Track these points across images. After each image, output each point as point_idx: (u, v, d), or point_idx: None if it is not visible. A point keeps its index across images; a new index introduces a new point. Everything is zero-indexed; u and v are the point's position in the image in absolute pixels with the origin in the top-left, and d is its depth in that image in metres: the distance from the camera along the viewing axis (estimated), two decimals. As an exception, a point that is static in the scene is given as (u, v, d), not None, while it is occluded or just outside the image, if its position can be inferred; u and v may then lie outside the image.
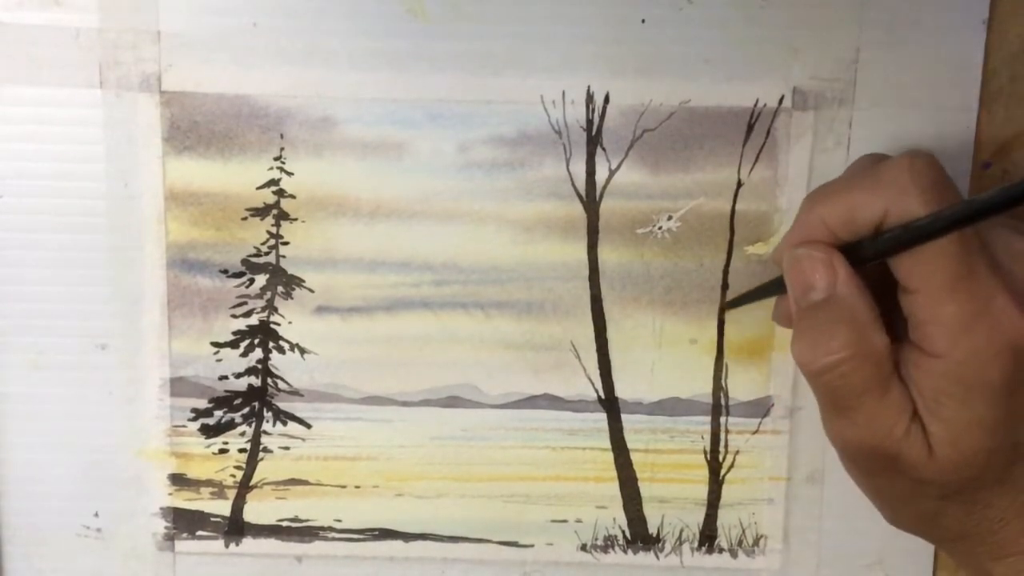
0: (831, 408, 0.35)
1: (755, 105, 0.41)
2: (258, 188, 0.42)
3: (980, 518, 0.36)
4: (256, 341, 0.44)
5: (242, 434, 0.45)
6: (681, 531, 0.45)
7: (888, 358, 0.34)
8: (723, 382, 0.44)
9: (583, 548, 0.45)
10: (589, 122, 0.42)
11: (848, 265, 0.34)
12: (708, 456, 0.44)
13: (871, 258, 0.34)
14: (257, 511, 0.45)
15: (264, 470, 0.45)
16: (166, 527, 0.45)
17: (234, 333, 0.44)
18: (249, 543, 0.45)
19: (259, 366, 0.44)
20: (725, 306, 0.43)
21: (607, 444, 0.44)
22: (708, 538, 0.45)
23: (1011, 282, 0.33)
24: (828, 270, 0.35)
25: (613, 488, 0.45)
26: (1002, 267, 0.34)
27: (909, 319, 0.34)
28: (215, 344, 0.44)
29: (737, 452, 0.44)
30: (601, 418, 0.44)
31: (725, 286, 0.43)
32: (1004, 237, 0.35)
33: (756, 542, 0.45)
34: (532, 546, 0.45)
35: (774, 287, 0.40)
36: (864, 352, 0.34)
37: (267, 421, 0.44)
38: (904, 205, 0.33)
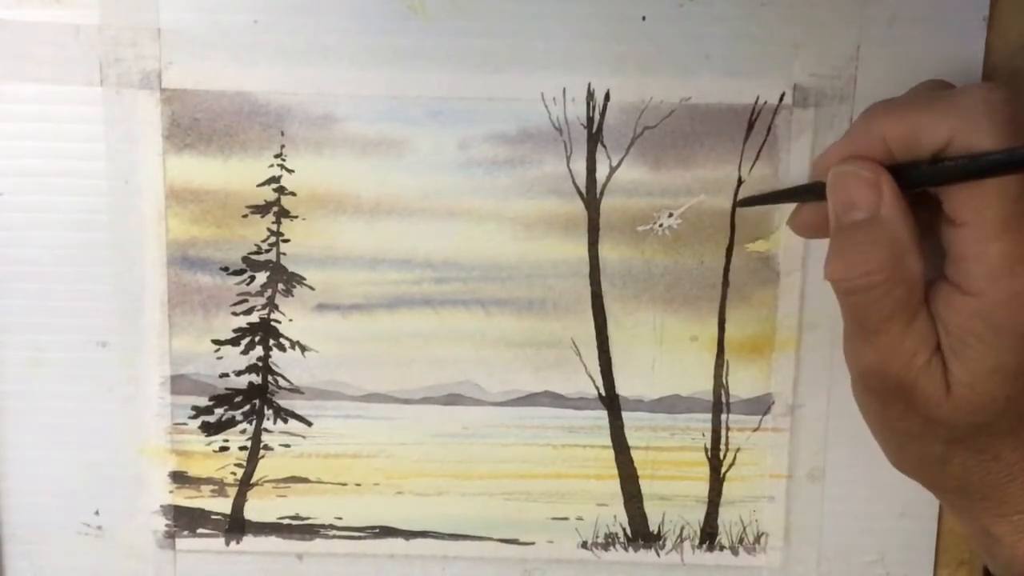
0: (857, 329, 0.35)
1: (756, 102, 0.41)
2: (259, 185, 0.42)
3: (986, 470, 0.35)
4: (257, 339, 0.44)
5: (243, 432, 0.45)
6: (682, 528, 0.45)
7: (921, 286, 0.34)
8: (724, 379, 0.44)
9: (584, 546, 0.45)
10: (590, 119, 0.42)
11: (895, 187, 0.34)
12: (709, 453, 0.44)
13: (926, 183, 0.33)
14: (258, 509, 0.45)
15: (265, 468, 0.45)
16: (167, 525, 0.45)
17: (235, 331, 0.44)
18: (250, 541, 0.45)
19: (260, 364, 0.44)
20: (739, 203, 0.42)
21: (608, 441, 0.44)
22: (709, 535, 0.45)
23: None
24: (874, 191, 0.34)
25: (614, 486, 0.45)
26: None
27: (949, 254, 0.34)
28: (216, 342, 0.44)
29: (738, 449, 0.44)
30: (602, 415, 0.44)
31: (726, 283, 0.43)
32: None
33: (757, 539, 0.45)
34: (533, 544, 0.45)
35: (801, 193, 0.39)
36: (899, 276, 0.33)
37: (268, 419, 0.44)
38: (972, 135, 0.32)
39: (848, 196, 0.34)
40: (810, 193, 0.36)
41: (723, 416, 0.44)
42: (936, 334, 0.34)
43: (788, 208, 0.42)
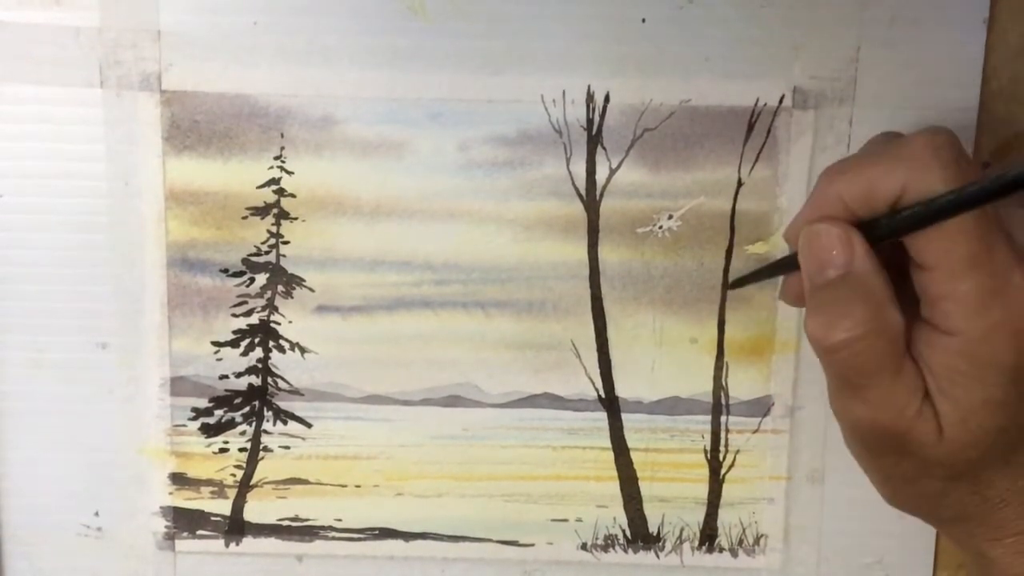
0: (842, 386, 0.35)
1: (755, 104, 0.41)
2: (258, 187, 0.42)
3: (981, 499, 0.35)
4: (256, 340, 0.44)
5: (242, 433, 0.45)
6: (681, 530, 0.45)
7: (902, 336, 0.34)
8: (723, 381, 0.44)
9: (583, 547, 0.45)
10: (589, 121, 0.42)
11: (865, 242, 0.34)
12: (708, 455, 0.44)
13: (888, 235, 0.34)
14: (257, 510, 0.45)
15: (264, 469, 0.45)
16: (166, 526, 0.45)
17: (234, 332, 0.44)
18: (249, 542, 0.45)
19: (259, 365, 0.44)
20: (730, 285, 0.42)
21: (607, 443, 0.44)
22: (708, 537, 0.45)
23: None
24: (846, 247, 0.34)
25: (613, 487, 0.45)
26: (1019, 246, 0.33)
27: (923, 297, 0.34)
28: (215, 343, 0.44)
29: (737, 451, 0.44)
30: (601, 417, 0.44)
31: (725, 285, 0.43)
32: (1021, 216, 0.34)
33: (756, 541, 0.45)
34: (532, 545, 0.45)
35: (781, 266, 0.40)
36: (879, 329, 0.33)
37: (267, 420, 0.44)
38: (924, 181, 0.32)
39: (820, 254, 0.34)
40: (792, 265, 0.37)
41: (723, 418, 0.44)
42: (923, 380, 0.34)
43: (788, 208, 0.42)
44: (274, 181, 0.42)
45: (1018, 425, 0.34)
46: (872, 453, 0.36)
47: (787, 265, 0.38)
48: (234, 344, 0.44)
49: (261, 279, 0.43)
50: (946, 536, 0.39)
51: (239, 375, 0.44)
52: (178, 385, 0.44)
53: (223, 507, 0.45)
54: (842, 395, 0.35)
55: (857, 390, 0.34)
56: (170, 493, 0.45)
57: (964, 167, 0.33)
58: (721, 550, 0.45)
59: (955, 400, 0.33)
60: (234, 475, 0.45)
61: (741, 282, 0.42)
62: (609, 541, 0.45)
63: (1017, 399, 0.33)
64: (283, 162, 0.42)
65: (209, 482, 0.45)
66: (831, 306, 0.34)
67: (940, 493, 0.36)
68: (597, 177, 0.42)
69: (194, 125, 0.42)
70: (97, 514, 0.45)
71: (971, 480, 0.35)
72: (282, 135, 0.42)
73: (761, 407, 0.44)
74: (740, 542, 0.45)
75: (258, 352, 0.44)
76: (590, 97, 0.41)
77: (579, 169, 0.42)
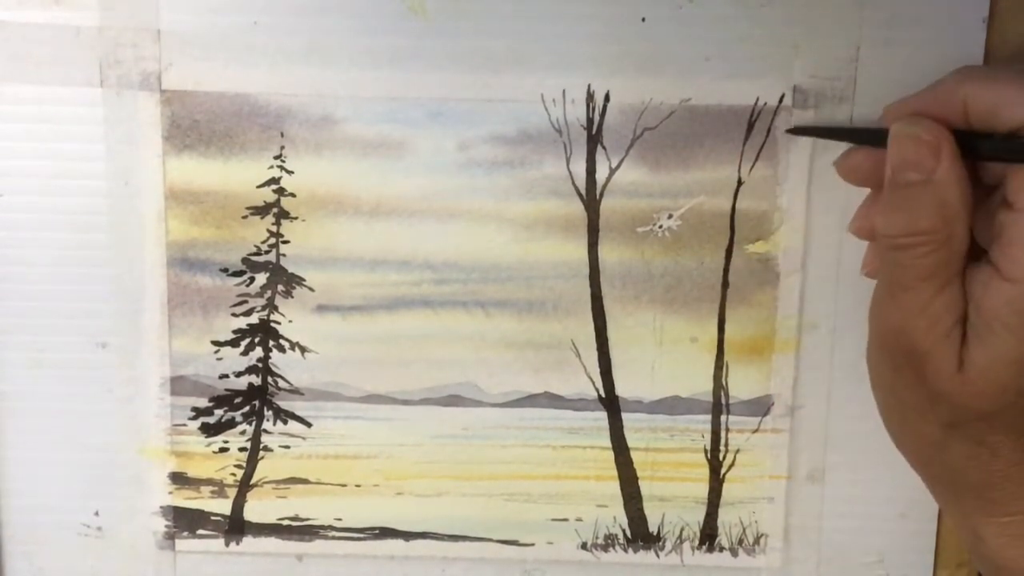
0: (889, 285, 0.35)
1: (755, 103, 0.41)
2: (258, 187, 0.42)
3: (982, 465, 0.35)
4: (256, 340, 0.44)
5: (242, 433, 0.45)
6: (682, 530, 0.45)
7: (963, 256, 0.34)
8: (723, 380, 0.44)
9: (584, 547, 0.45)
10: (589, 120, 0.42)
11: (954, 154, 0.34)
12: (708, 455, 0.44)
13: (994, 157, 0.33)
14: (257, 510, 0.45)
15: (264, 469, 0.45)
16: (166, 526, 0.45)
17: (234, 332, 0.44)
18: (249, 542, 0.45)
19: (259, 365, 0.44)
20: (791, 130, 0.41)
21: (607, 443, 0.44)
22: (708, 537, 0.45)
23: None
24: (933, 154, 0.34)
25: (613, 487, 0.45)
26: None
27: (999, 236, 0.34)
28: (215, 343, 0.44)
29: (737, 451, 0.44)
30: (601, 417, 0.44)
31: (725, 285, 0.43)
32: None
33: (757, 541, 0.45)
34: (532, 545, 0.45)
35: (861, 134, 0.39)
36: (943, 240, 0.34)
37: (267, 420, 0.44)
38: None
39: (906, 155, 0.34)
40: (871, 137, 0.36)
41: (723, 417, 0.44)
42: (963, 308, 0.34)
43: (788, 207, 0.42)
44: (274, 180, 0.42)
45: None
46: (892, 366, 0.36)
47: (869, 136, 0.38)
48: (234, 343, 0.44)
49: (261, 278, 0.43)
50: (941, 504, 0.38)
51: (239, 374, 0.44)
52: (178, 385, 0.44)
53: (223, 507, 0.45)
54: (885, 294, 0.35)
55: (900, 291, 0.35)
56: (170, 493, 0.45)
57: None
58: (721, 549, 0.45)
59: (988, 346, 0.33)
60: (234, 475, 0.45)
61: (805, 131, 0.41)
62: (609, 540, 0.45)
63: None
64: (283, 161, 0.42)
65: (209, 482, 0.45)
66: (905, 206, 0.34)
67: (941, 441, 0.36)
68: (597, 176, 0.42)
69: (194, 124, 0.42)
70: (97, 514, 0.45)
71: (975, 438, 0.35)
72: (282, 134, 0.42)
73: (761, 406, 0.44)
74: (740, 541, 0.45)
75: (258, 351, 0.44)
76: (590, 96, 0.41)
77: (579, 168, 0.42)
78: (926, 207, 0.34)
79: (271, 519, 0.45)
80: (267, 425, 0.45)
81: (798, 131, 0.41)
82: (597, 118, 0.42)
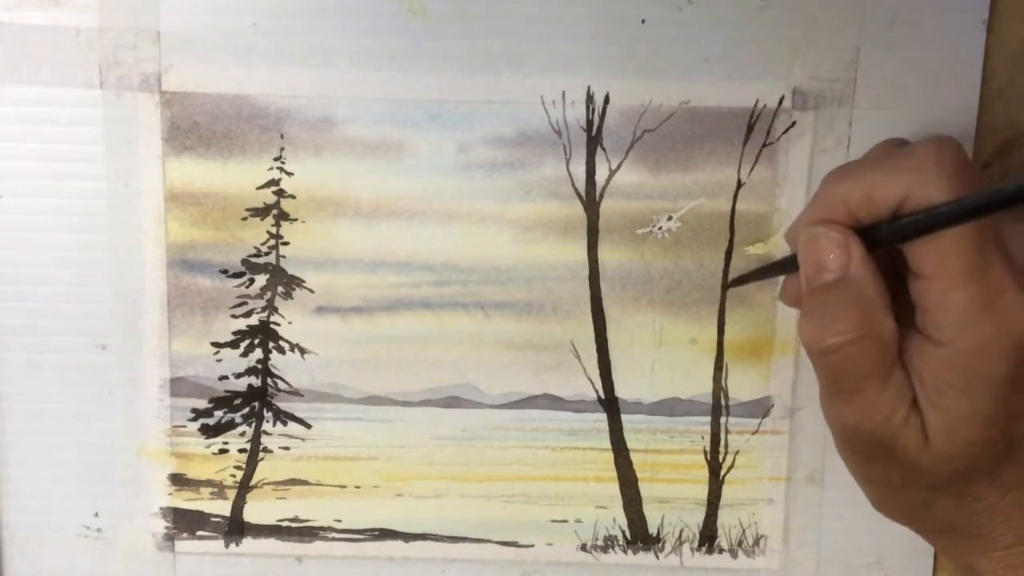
0: (833, 390, 0.35)
1: (755, 105, 0.41)
2: (258, 188, 0.42)
3: (968, 511, 0.35)
4: (256, 341, 0.44)
5: (242, 434, 0.45)
6: (681, 531, 0.45)
7: (895, 344, 0.34)
8: (723, 382, 0.44)
9: (583, 548, 0.45)
10: (589, 122, 0.42)
11: (863, 247, 0.34)
12: (708, 456, 0.45)
13: (887, 242, 0.34)
14: (257, 511, 0.45)
15: (264, 470, 0.45)
16: (166, 527, 0.45)
17: (234, 333, 0.44)
18: (249, 543, 0.45)
19: (259, 366, 0.44)
20: (729, 284, 0.43)
21: (607, 444, 0.44)
22: (708, 538, 0.45)
23: (1022, 277, 0.33)
24: (843, 251, 0.34)
25: (613, 488, 0.45)
26: (1015, 262, 0.33)
27: (917, 305, 0.34)
28: (215, 344, 0.44)
29: (737, 452, 0.44)
30: (601, 418, 0.44)
31: (725, 286, 0.43)
32: (1019, 231, 0.35)
33: (756, 542, 0.45)
34: (532, 546, 0.45)
35: (781, 267, 0.40)
36: (872, 335, 0.34)
37: (267, 421, 0.44)
38: (926, 190, 0.32)
39: (818, 257, 0.35)
40: (791, 266, 0.37)
41: (722, 419, 0.44)
42: (912, 388, 0.34)
43: (788, 209, 0.42)
44: (274, 182, 0.42)
45: (1006, 439, 0.34)
46: (860, 459, 0.36)
47: (787, 265, 0.39)
48: (234, 345, 0.44)
49: (261, 280, 0.43)
50: (934, 547, 0.39)
51: (239, 376, 0.44)
52: (178, 386, 0.44)
53: (223, 508, 0.45)
54: (832, 399, 0.36)
55: (846, 394, 0.35)
56: (170, 494, 0.45)
57: (967, 178, 0.33)
58: (721, 551, 0.45)
59: (943, 411, 0.34)
60: (234, 476, 0.45)
61: (741, 281, 0.42)
62: (609, 542, 0.45)
63: (1005, 414, 0.34)
64: (283, 163, 0.42)
65: (209, 483, 0.45)
66: (825, 309, 0.34)
67: (925, 503, 0.36)
68: (597, 178, 0.42)
69: (194, 126, 0.42)
70: (97, 515, 0.45)
71: (957, 492, 0.35)
72: (282, 136, 0.42)
73: (761, 408, 0.44)
74: (740, 543, 0.45)
75: (258, 353, 0.44)
76: (590, 98, 0.41)
77: (579, 170, 0.42)
78: (847, 305, 0.34)
79: (271, 520, 0.45)
80: (267, 426, 0.45)
81: (735, 283, 0.42)
82: (597, 120, 0.42)
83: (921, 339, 0.34)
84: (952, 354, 0.33)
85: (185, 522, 0.45)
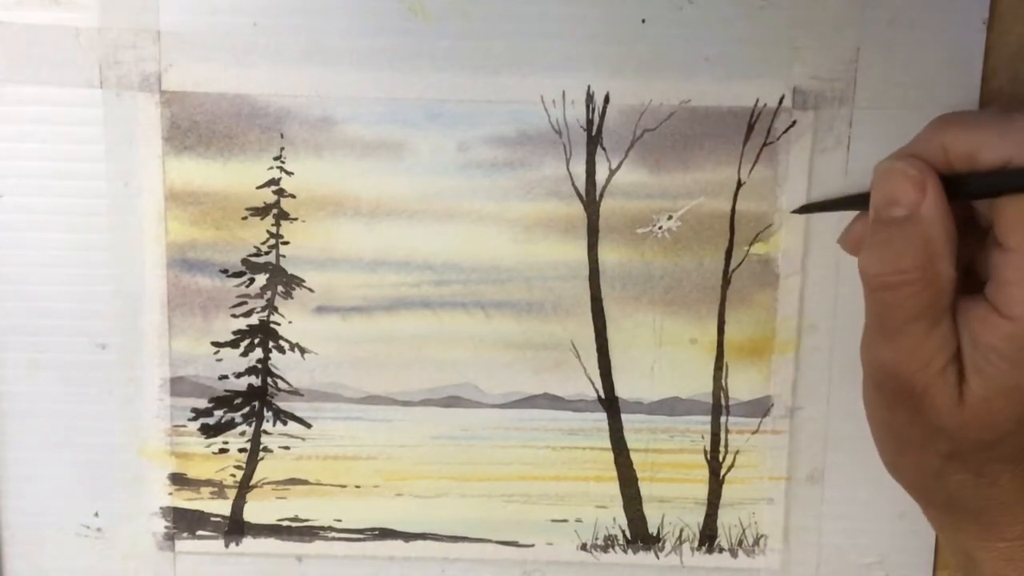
0: (878, 327, 0.35)
1: (755, 105, 0.41)
2: (258, 188, 0.42)
3: (981, 493, 0.35)
4: (256, 341, 0.44)
5: (242, 434, 0.45)
6: (681, 531, 0.45)
7: (951, 292, 0.34)
8: (723, 382, 0.44)
9: (583, 548, 0.45)
10: (589, 122, 0.42)
11: (940, 189, 0.34)
12: (708, 456, 0.44)
13: (974, 194, 0.33)
14: (257, 511, 0.45)
15: (264, 470, 0.45)
16: (166, 527, 0.45)
17: (234, 333, 0.44)
18: (249, 543, 0.45)
19: (259, 366, 0.44)
20: (797, 209, 0.42)
21: (607, 444, 0.44)
22: (708, 538, 0.45)
23: None
24: (918, 189, 0.34)
25: (613, 488, 0.45)
26: None
27: (993, 275, 0.34)
28: (215, 344, 0.44)
29: (737, 452, 0.44)
30: (601, 418, 0.44)
31: (725, 286, 0.43)
32: None
33: (756, 542, 0.45)
34: (532, 546, 0.45)
35: (854, 201, 0.39)
36: (930, 278, 0.33)
37: (267, 421, 0.44)
38: None
39: (891, 191, 0.34)
40: (863, 203, 0.36)
41: (722, 418, 0.44)
42: (955, 343, 0.34)
43: (788, 208, 0.42)
44: (274, 181, 0.42)
45: None
46: (887, 405, 0.36)
47: (859, 202, 0.38)
48: (234, 344, 0.44)
49: (261, 279, 0.43)
50: (935, 526, 0.39)
51: (239, 375, 0.44)
52: (178, 385, 0.44)
53: (223, 507, 0.45)
54: (875, 335, 0.35)
55: (890, 333, 0.34)
56: (170, 493, 0.45)
57: None
58: (721, 550, 0.45)
59: (987, 378, 0.33)
60: (234, 475, 0.45)
61: (809, 208, 0.41)
62: (609, 541, 0.45)
63: None
64: (283, 162, 0.42)
65: (209, 482, 0.45)
66: (890, 244, 0.34)
67: (940, 472, 0.35)
68: (597, 177, 0.42)
69: (194, 125, 0.42)
70: (97, 514, 0.45)
71: (974, 467, 0.35)
72: (282, 135, 0.42)
73: (761, 407, 0.44)
74: (740, 542, 0.45)
75: (258, 352, 0.44)
76: (590, 97, 0.41)
77: (579, 169, 0.42)
78: (911, 244, 0.34)
79: (271, 520, 0.45)
80: (267, 426, 0.45)
81: (803, 210, 0.42)
82: (597, 119, 0.42)
83: (988, 308, 0.34)
84: (1016, 329, 0.33)
85: (185, 522, 0.45)
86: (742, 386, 0.44)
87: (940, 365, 0.34)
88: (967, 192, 0.34)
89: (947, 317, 0.34)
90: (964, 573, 0.38)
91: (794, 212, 0.42)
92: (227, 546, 0.46)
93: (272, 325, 0.44)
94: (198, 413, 0.44)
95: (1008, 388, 0.33)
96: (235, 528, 0.45)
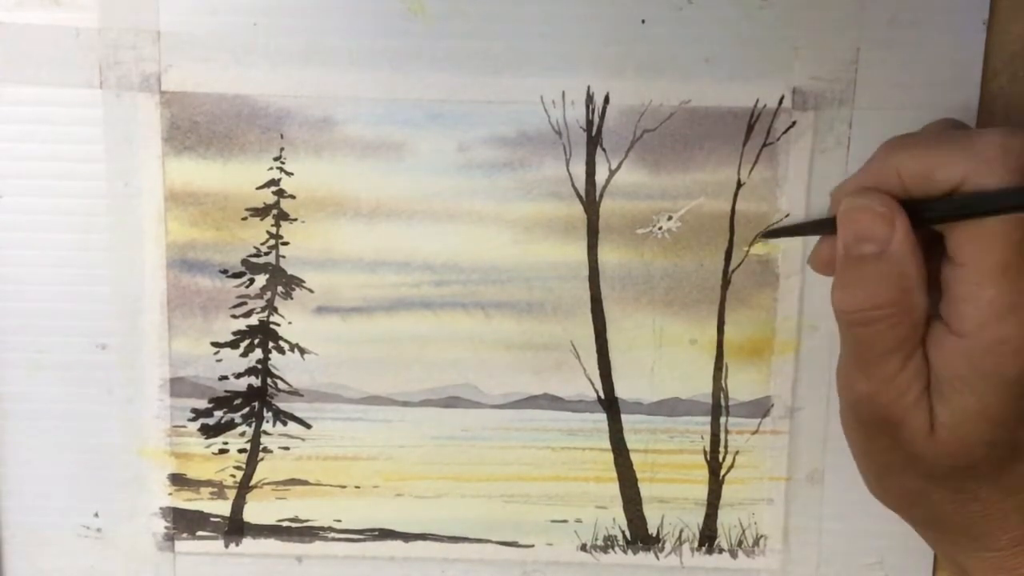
0: (855, 360, 0.35)
1: (755, 105, 0.41)
2: (258, 188, 0.42)
3: (964, 509, 0.35)
4: (256, 341, 0.44)
5: (242, 434, 0.45)
6: (681, 531, 0.45)
7: (924, 322, 0.34)
8: (723, 382, 0.44)
9: (583, 548, 0.45)
10: (589, 122, 0.42)
11: (907, 223, 0.34)
12: (708, 456, 0.44)
13: (932, 220, 0.33)
14: (257, 511, 0.45)
15: (264, 470, 0.45)
16: (166, 527, 0.45)
17: (234, 333, 0.44)
18: (249, 543, 0.45)
19: (259, 366, 0.44)
20: (764, 234, 0.42)
21: (607, 444, 0.44)
22: (708, 538, 0.45)
23: None
24: (887, 225, 0.34)
25: (613, 488, 0.45)
26: None
27: (945, 293, 0.34)
28: (215, 344, 0.44)
29: (737, 452, 0.44)
30: (601, 418, 0.44)
31: (725, 286, 0.43)
32: None
33: (756, 542, 0.45)
34: (532, 546, 0.45)
35: (819, 226, 0.39)
36: (904, 311, 0.33)
37: (267, 421, 0.44)
38: (986, 178, 0.32)
39: (860, 229, 0.34)
40: (829, 227, 0.36)
41: (722, 419, 0.44)
42: (928, 373, 0.34)
43: (788, 209, 0.42)
44: (274, 182, 0.42)
45: (1011, 443, 0.34)
46: (865, 434, 0.36)
47: (825, 226, 0.38)
48: (234, 345, 0.44)
49: (261, 280, 0.43)
50: (926, 540, 0.39)
51: (239, 376, 0.44)
52: (178, 386, 0.44)
53: (223, 508, 0.45)
54: (851, 368, 0.35)
55: (866, 366, 0.34)
56: (170, 494, 0.45)
57: None
58: (721, 551, 0.45)
59: (951, 404, 0.34)
60: (234, 476, 0.45)
61: (775, 234, 0.42)
62: (608, 542, 0.45)
63: (1012, 417, 0.33)
64: (283, 163, 0.42)
65: (209, 483, 0.45)
66: (862, 281, 0.34)
67: (922, 492, 0.36)
68: (597, 178, 0.42)
69: (194, 126, 0.42)
70: (97, 515, 0.45)
71: (955, 487, 0.35)
72: (282, 136, 0.42)
73: (761, 408, 0.44)
74: (740, 543, 0.45)
75: (258, 353, 0.44)
76: (590, 98, 0.41)
77: (579, 170, 0.42)
78: (884, 280, 0.34)
79: (271, 520, 0.45)
80: (267, 426, 0.45)
81: (769, 235, 0.42)
82: (597, 120, 0.42)
83: (942, 328, 0.34)
84: (969, 347, 0.33)
85: (185, 522, 0.45)
86: (742, 387, 0.44)
87: (915, 395, 0.34)
88: (924, 219, 0.34)
89: (920, 348, 0.34)
90: None
91: (762, 236, 0.42)
92: (227, 546, 0.46)
93: (272, 326, 0.44)
94: (198, 413, 0.44)
95: (972, 414, 0.33)
96: (235, 528, 0.45)
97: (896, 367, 0.34)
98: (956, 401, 0.33)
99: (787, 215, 0.42)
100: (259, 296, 0.43)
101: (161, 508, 0.45)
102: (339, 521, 0.45)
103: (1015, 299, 0.32)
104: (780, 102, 0.41)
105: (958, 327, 0.33)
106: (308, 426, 0.44)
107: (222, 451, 0.45)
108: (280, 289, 0.43)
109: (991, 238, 0.32)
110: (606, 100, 0.41)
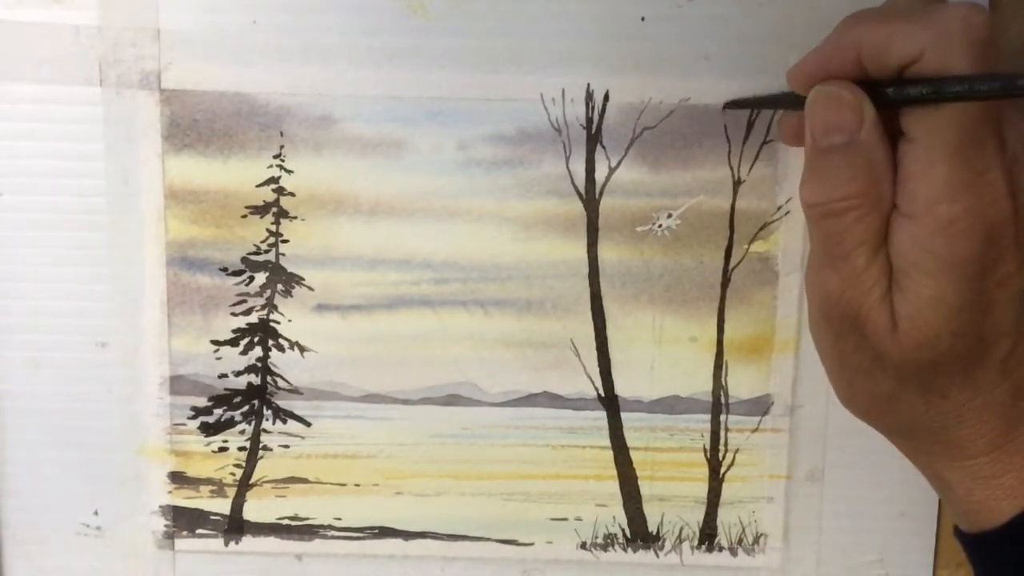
0: (824, 256, 0.34)
1: (755, 103, 0.41)
2: (258, 186, 0.42)
3: (935, 410, 0.35)
4: (256, 339, 0.44)
5: (242, 432, 0.45)
6: (681, 529, 0.45)
7: (888, 217, 0.33)
8: (723, 380, 0.44)
9: (583, 546, 0.45)
10: (589, 120, 0.42)
11: (874, 111, 0.33)
12: (708, 454, 0.44)
13: (889, 105, 0.33)
14: (257, 509, 0.45)
15: (264, 468, 0.45)
16: (166, 525, 0.45)
17: (234, 331, 0.44)
18: (249, 541, 0.45)
19: (259, 364, 0.44)
20: (726, 104, 0.41)
21: (607, 442, 0.44)
22: (708, 536, 0.45)
23: (1011, 168, 0.32)
24: (855, 114, 0.33)
25: (613, 486, 0.45)
26: (1007, 148, 0.32)
27: (899, 171, 0.33)
28: (215, 342, 0.44)
29: (737, 450, 0.44)
30: (601, 416, 0.44)
31: (725, 284, 0.43)
32: (1017, 120, 0.34)
33: (756, 540, 0.45)
34: (532, 544, 0.45)
35: (781, 101, 0.39)
36: (874, 202, 0.33)
37: (267, 419, 0.44)
38: (945, 53, 0.31)
39: (828, 119, 0.34)
40: (792, 103, 0.36)
41: (722, 417, 0.44)
42: (891, 270, 0.33)
43: (787, 206, 0.42)
44: (273, 180, 0.42)
45: (974, 334, 0.33)
46: (833, 334, 0.35)
47: (787, 101, 0.38)
48: (233, 343, 0.44)
49: (260, 278, 0.43)
50: (903, 452, 0.38)
51: (238, 374, 0.44)
52: (177, 384, 0.44)
53: (222, 506, 0.45)
54: (820, 264, 0.35)
55: (835, 260, 0.34)
56: (169, 492, 0.45)
57: (989, 52, 0.31)
58: (720, 549, 0.45)
59: (907, 293, 0.33)
60: (233, 474, 0.45)
61: (737, 104, 0.41)
62: (608, 540, 0.45)
63: (972, 304, 0.33)
64: (282, 161, 0.42)
65: (208, 481, 0.45)
66: (831, 171, 0.33)
67: (891, 395, 0.35)
68: (596, 176, 0.42)
69: (193, 124, 0.42)
70: (96, 513, 0.45)
71: (924, 385, 0.34)
72: (281, 134, 0.42)
73: (761, 406, 0.44)
74: (740, 541, 0.45)
75: (257, 351, 0.44)
76: (589, 96, 0.41)
77: (578, 168, 0.42)
78: (853, 169, 0.33)
79: (270, 518, 0.45)
80: (266, 424, 0.45)
81: (733, 105, 0.41)
82: (596, 117, 0.42)
83: (897, 215, 0.33)
84: (920, 229, 0.32)
85: (185, 520, 0.45)
86: (742, 384, 0.44)
87: (880, 292, 0.33)
88: (885, 103, 0.33)
89: (885, 244, 0.33)
90: (940, 495, 0.37)
91: (725, 107, 0.41)
92: (227, 545, 0.46)
93: (272, 323, 0.44)
94: (198, 411, 0.44)
95: (931, 300, 0.32)
96: (235, 527, 0.45)
97: (864, 262, 0.33)
98: (913, 290, 0.33)
99: (787, 212, 0.42)
100: (259, 294, 0.43)
101: (161, 506, 0.45)
102: (339, 519, 0.45)
103: (968, 177, 0.32)
104: (780, 100, 0.41)
105: (908, 208, 0.32)
106: (308, 424, 0.44)
107: (222, 449, 0.45)
108: (280, 287, 0.43)
109: (947, 114, 0.31)
110: (606, 98, 0.41)
